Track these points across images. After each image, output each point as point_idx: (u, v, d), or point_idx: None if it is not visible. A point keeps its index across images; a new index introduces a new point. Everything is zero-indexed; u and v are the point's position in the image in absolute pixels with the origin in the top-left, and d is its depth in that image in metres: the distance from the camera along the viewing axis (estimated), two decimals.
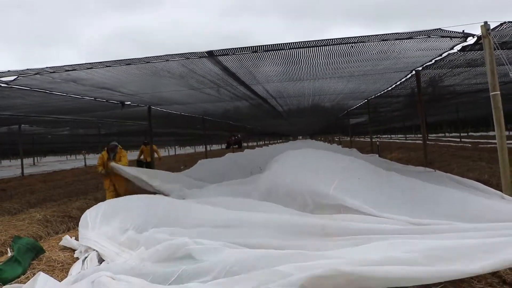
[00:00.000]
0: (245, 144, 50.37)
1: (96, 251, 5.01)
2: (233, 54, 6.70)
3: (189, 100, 12.54)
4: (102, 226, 5.82)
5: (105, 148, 10.82)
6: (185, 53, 6.46)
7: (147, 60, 6.83)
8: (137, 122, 17.92)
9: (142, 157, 16.89)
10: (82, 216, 6.37)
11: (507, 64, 5.84)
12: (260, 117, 22.43)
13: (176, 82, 9.23)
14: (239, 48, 6.42)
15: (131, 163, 12.20)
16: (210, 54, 6.60)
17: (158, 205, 6.19)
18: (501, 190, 5.79)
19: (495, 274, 3.63)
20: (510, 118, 28.11)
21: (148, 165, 15.51)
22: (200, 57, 6.80)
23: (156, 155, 16.32)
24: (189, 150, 60.89)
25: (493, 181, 8.82)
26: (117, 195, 9.99)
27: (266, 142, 65.02)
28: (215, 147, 59.97)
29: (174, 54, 6.51)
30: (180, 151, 62.53)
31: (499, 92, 5.85)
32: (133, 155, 25.01)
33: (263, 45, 6.35)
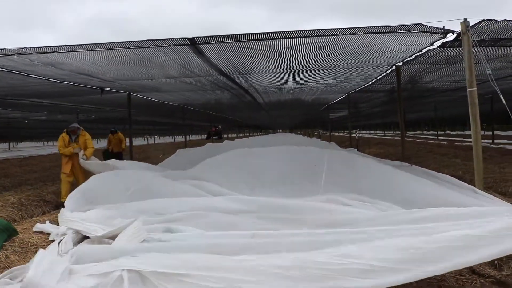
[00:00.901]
0: (225, 136, 50.34)
1: (74, 231, 5.00)
2: (215, 42, 6.68)
3: (169, 89, 12.45)
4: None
5: (65, 130, 9.69)
6: (167, 39, 6.41)
7: (128, 45, 6.75)
8: (117, 109, 17.65)
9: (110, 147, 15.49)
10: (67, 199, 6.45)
11: (484, 62, 5.93)
12: (241, 109, 22.44)
13: (157, 71, 9.18)
14: (222, 36, 6.40)
15: (97, 154, 11.31)
16: (192, 41, 6.56)
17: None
18: (474, 186, 5.90)
19: None
20: (486, 118, 28.60)
21: (115, 155, 14.04)
22: (182, 44, 6.76)
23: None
24: (168, 139, 60.50)
25: (467, 177, 9.00)
26: (74, 183, 9.11)
27: (246, 134, 65.02)
28: (195, 137, 59.69)
29: (156, 40, 6.45)
30: (160, 140, 62.12)
31: (475, 89, 5.95)
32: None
33: (245, 34, 6.33)
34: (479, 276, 3.57)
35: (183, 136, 28.79)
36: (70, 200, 6.44)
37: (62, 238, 4.91)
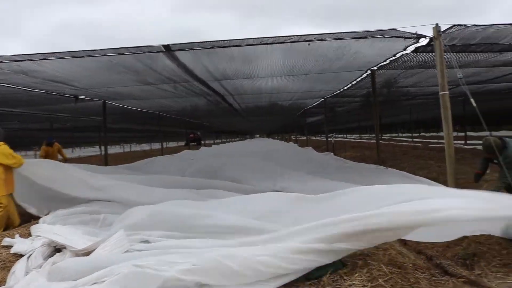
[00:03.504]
0: (204, 142, 50.18)
1: (44, 245, 4.86)
2: (191, 49, 6.68)
3: (145, 96, 12.37)
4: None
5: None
6: (141, 47, 6.38)
7: (102, 53, 6.70)
8: (92, 117, 17.43)
9: None
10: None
11: (456, 67, 6.06)
12: (218, 115, 22.41)
13: (132, 78, 9.10)
14: (197, 42, 6.41)
15: None
16: (167, 48, 6.54)
17: None
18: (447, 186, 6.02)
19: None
20: (458, 120, 29.12)
21: None
22: (157, 51, 6.73)
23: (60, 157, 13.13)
24: (145, 147, 59.93)
25: (441, 179, 9.13)
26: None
27: (223, 140, 64.91)
28: (172, 144, 59.22)
29: (130, 47, 6.42)
30: (136, 147, 61.47)
31: (447, 92, 6.08)
32: (87, 151, 24.43)
33: (221, 41, 6.35)
34: (452, 277, 3.63)
35: (160, 143, 28.62)
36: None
37: (31, 252, 4.72)
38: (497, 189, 5.77)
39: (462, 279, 3.58)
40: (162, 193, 6.94)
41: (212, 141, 53.62)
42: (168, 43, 6.29)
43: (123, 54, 6.78)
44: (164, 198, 6.03)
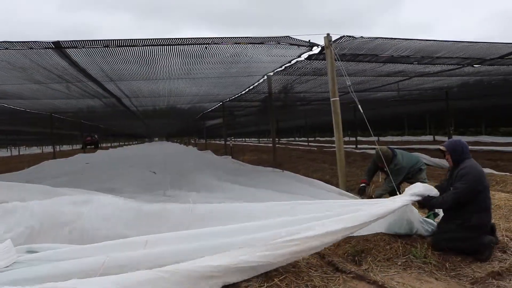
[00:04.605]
0: (101, 145, 48.25)
1: None
2: (83, 47, 6.38)
3: (35, 96, 11.61)
4: None
5: None
6: (29, 42, 5.99)
7: None
8: None
9: None
10: None
11: (345, 75, 6.38)
12: (115, 117, 21.74)
13: (18, 75, 8.48)
14: (89, 41, 6.14)
15: None
16: (57, 45, 6.20)
17: None
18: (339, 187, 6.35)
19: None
20: (350, 125, 30.89)
21: None
22: (46, 47, 6.35)
23: None
24: (36, 150, 56.20)
25: (333, 181, 9.58)
26: None
27: (121, 143, 62.89)
28: (67, 147, 56.14)
29: (16, 42, 6.00)
30: (26, 151, 57.47)
31: (338, 98, 6.40)
32: None
33: (115, 40, 6.14)
34: (342, 273, 3.83)
35: (52, 147, 27.06)
36: None
37: None
38: (383, 192, 6.34)
39: (351, 275, 3.79)
40: None
41: (109, 145, 51.73)
42: (59, 39, 5.96)
43: (7, 48, 6.29)
44: None
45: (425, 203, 4.39)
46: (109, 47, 6.45)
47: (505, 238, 4.54)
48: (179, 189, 8.13)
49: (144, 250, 3.45)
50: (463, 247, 4.14)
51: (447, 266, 3.96)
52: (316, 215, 3.86)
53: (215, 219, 4.33)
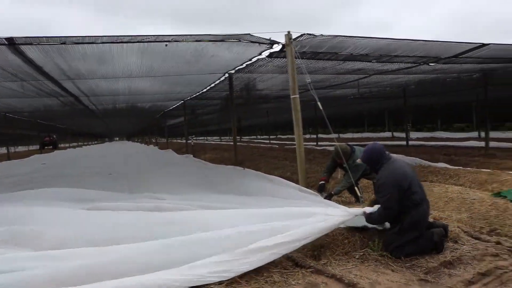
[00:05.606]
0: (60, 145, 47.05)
1: None
2: (38, 43, 6.21)
3: None
4: None
5: None
6: None
7: None
8: None
9: None
10: None
11: (305, 72, 6.46)
12: (74, 117, 21.23)
13: None
14: (46, 37, 5.98)
15: None
16: (11, 41, 6.00)
17: None
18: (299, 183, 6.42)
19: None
20: (311, 123, 31.24)
21: None
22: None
23: None
24: None
25: (294, 178, 9.68)
26: None
27: (80, 143, 61.46)
28: (22, 148, 54.31)
29: None
30: None
31: (298, 96, 6.45)
32: None
33: (73, 36, 6.02)
34: (301, 268, 3.91)
35: (6, 148, 26.22)
36: None
37: None
38: (342, 188, 6.54)
39: (310, 269, 3.87)
40: None
41: (68, 145, 50.47)
42: (12, 35, 5.78)
43: None
44: None
45: (367, 221, 4.46)
46: (66, 44, 6.31)
47: (457, 229, 4.72)
48: (138, 192, 7.89)
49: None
50: (417, 249, 4.20)
51: (403, 258, 4.09)
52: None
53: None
